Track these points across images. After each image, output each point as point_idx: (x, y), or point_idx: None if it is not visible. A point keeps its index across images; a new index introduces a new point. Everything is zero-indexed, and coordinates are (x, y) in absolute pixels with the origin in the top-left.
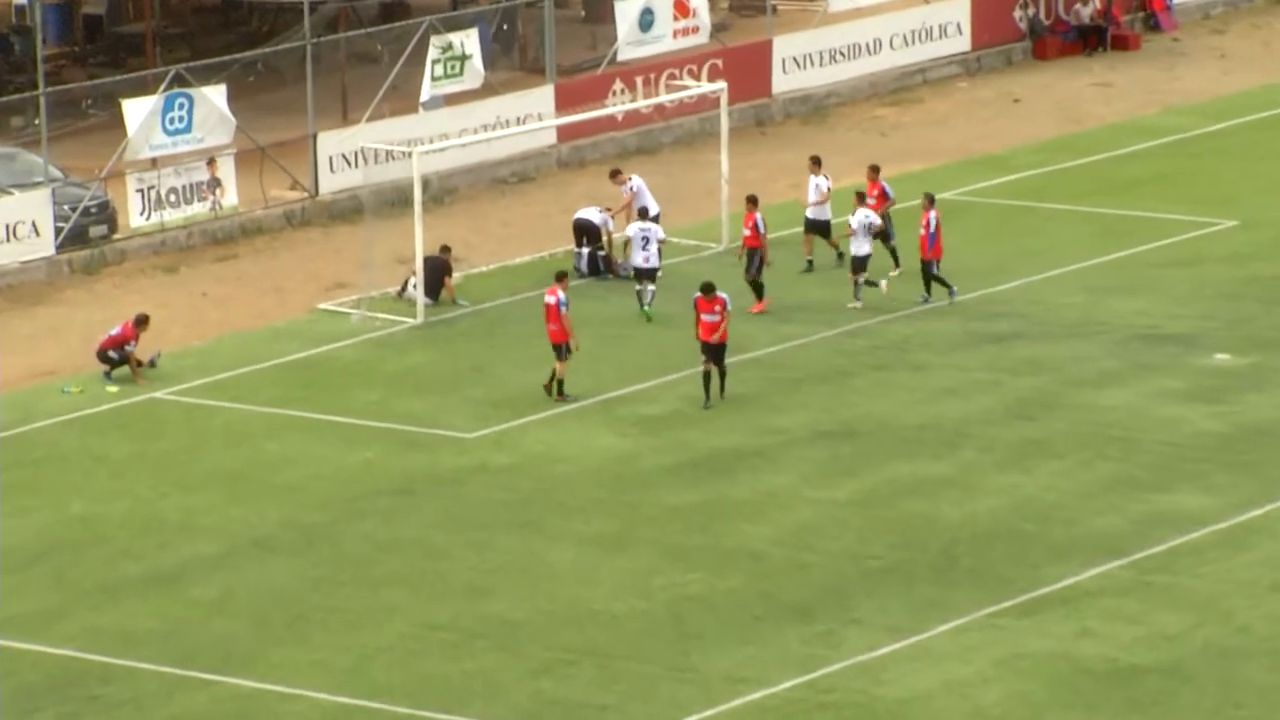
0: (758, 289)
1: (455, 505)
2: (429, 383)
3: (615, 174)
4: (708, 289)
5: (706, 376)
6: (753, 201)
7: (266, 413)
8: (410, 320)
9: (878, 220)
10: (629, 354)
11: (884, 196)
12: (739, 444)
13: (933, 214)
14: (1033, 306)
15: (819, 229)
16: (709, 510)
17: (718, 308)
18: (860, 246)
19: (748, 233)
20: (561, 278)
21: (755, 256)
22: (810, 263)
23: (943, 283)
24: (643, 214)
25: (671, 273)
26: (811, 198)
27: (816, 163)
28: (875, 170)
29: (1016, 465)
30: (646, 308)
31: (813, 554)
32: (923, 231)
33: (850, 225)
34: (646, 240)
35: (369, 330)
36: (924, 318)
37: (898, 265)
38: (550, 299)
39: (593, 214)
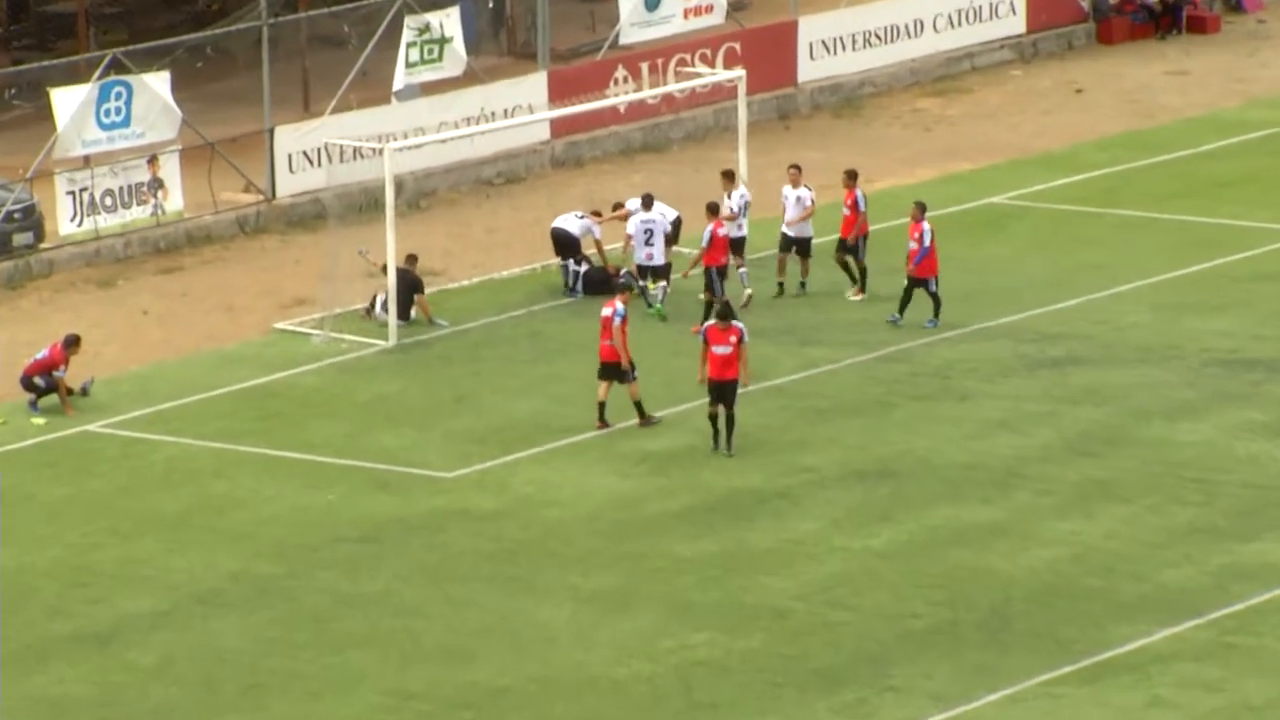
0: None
1: (431, 555)
2: (402, 414)
3: (618, 207)
4: (723, 315)
5: (715, 418)
6: (713, 210)
7: (215, 448)
8: (381, 342)
9: (748, 198)
10: None
11: (856, 208)
12: (759, 485)
13: (925, 225)
14: (1097, 327)
15: (799, 247)
16: (725, 562)
17: (732, 338)
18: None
19: (705, 245)
20: (624, 290)
21: (711, 273)
22: (781, 286)
23: (935, 302)
24: (646, 203)
25: (680, 289)
26: (790, 214)
27: (798, 171)
28: (852, 177)
29: (1078, 510)
30: (657, 306)
31: (844, 611)
32: (914, 245)
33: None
34: (650, 234)
35: (333, 354)
36: (971, 340)
37: (861, 288)
38: (606, 310)
39: (570, 222)
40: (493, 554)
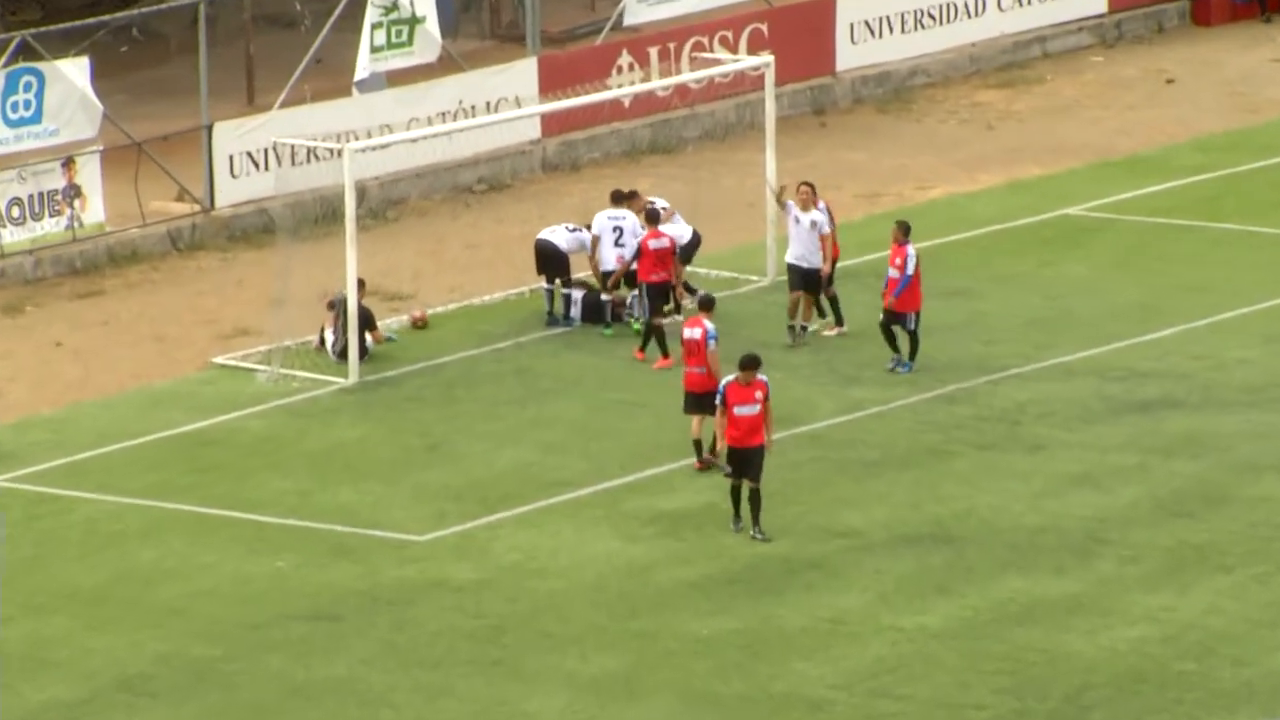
0: (655, 336)
1: (400, 635)
2: (364, 466)
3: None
4: (747, 366)
5: (736, 491)
6: (653, 219)
7: (142, 506)
8: (339, 380)
9: (665, 205)
10: (640, 427)
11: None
12: (790, 552)
13: (910, 250)
14: (1194, 363)
15: (810, 282)
16: (749, 643)
17: (758, 394)
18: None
19: (632, 258)
20: (708, 305)
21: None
22: (805, 328)
23: (913, 343)
24: (615, 198)
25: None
26: (803, 243)
27: (811, 190)
28: (811, 190)
29: (1170, 581)
30: (609, 328)
31: (892, 702)
32: (894, 274)
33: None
34: (620, 232)
35: (283, 394)
36: (1044, 379)
37: (840, 323)
38: (693, 332)
39: (559, 235)
40: (473, 633)
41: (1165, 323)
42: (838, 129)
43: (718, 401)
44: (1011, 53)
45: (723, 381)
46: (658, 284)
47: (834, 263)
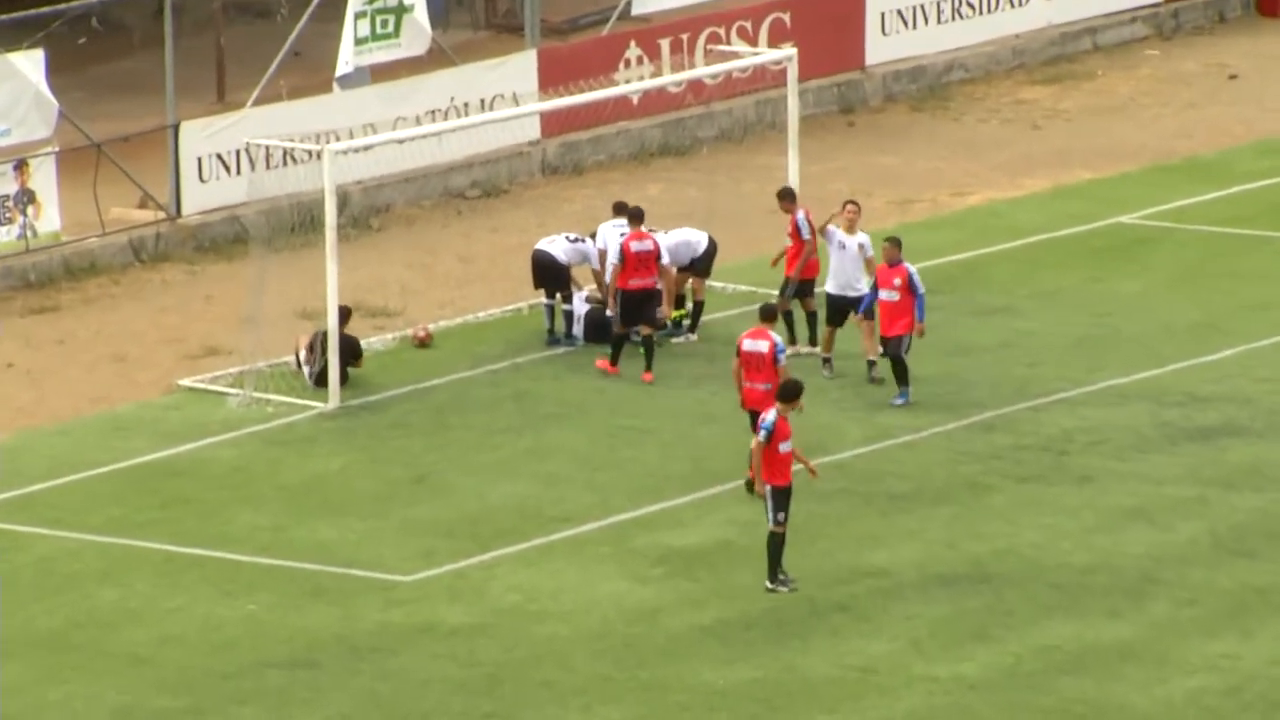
0: (614, 345)
1: (384, 685)
2: (346, 499)
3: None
4: (789, 395)
5: (783, 540)
6: (638, 217)
7: (101, 543)
8: (319, 404)
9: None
10: (648, 456)
11: (798, 233)
12: (814, 594)
13: (909, 269)
14: (1259, 387)
15: (850, 307)
16: (769, 694)
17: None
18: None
19: (618, 262)
20: (771, 315)
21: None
22: (828, 361)
23: (903, 368)
24: (619, 210)
25: (711, 335)
26: (848, 269)
27: (857, 210)
28: (790, 196)
29: (1231, 626)
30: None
31: None
32: (890, 295)
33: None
34: None
35: (257, 420)
36: (1094, 403)
37: (807, 341)
38: (759, 344)
39: (559, 245)
40: (465, 683)
41: (1227, 343)
42: (867, 129)
43: (763, 438)
44: (1059, 45)
45: (771, 414)
46: (636, 291)
47: (811, 279)
